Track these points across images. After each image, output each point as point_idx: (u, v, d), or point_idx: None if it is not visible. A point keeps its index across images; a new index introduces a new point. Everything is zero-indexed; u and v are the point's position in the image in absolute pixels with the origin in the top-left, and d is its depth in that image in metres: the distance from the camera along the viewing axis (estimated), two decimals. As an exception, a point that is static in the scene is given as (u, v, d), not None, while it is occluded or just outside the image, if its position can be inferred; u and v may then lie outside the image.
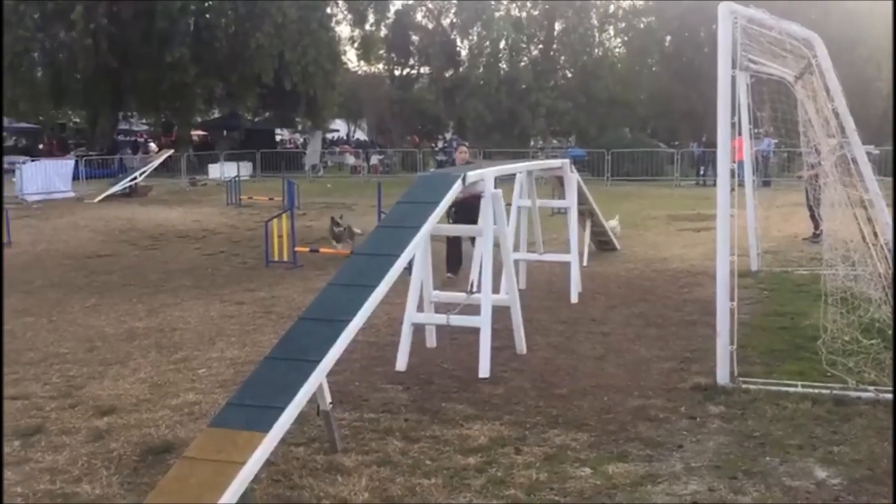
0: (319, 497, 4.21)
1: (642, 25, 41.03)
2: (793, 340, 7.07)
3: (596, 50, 41.78)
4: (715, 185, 6.24)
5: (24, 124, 39.47)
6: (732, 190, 5.94)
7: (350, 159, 38.70)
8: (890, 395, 5.37)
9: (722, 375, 5.87)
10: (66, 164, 25.33)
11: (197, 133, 43.13)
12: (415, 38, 45.59)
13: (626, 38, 42.91)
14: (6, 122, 38.80)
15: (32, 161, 26.06)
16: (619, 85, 39.87)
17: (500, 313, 6.86)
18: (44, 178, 23.16)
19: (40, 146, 39.23)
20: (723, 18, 5.90)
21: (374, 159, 36.55)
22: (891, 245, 6.29)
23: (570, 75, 42.45)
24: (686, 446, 4.82)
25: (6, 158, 29.47)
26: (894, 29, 6.59)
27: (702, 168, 29.13)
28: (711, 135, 32.79)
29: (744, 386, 5.78)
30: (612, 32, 43.60)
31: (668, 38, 40.52)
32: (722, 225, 5.85)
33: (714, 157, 6.48)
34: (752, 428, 5.08)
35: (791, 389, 5.66)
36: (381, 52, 45.84)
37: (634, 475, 4.42)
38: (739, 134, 8.48)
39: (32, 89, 32.80)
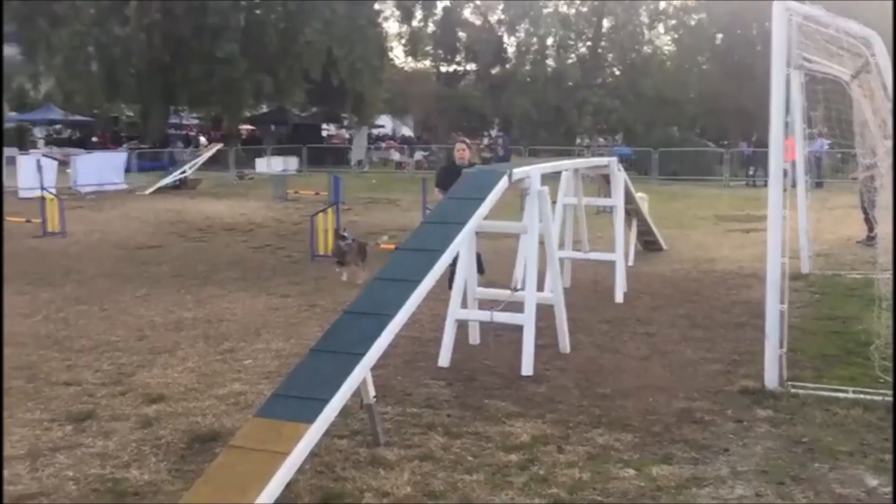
0: (362, 489, 4.24)
1: (693, 22, 40.48)
2: (844, 345, 6.93)
3: (645, 47, 41.35)
4: (765, 185, 6.13)
5: (78, 117, 40.38)
6: (784, 191, 5.82)
7: (395, 155, 38.89)
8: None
9: (770, 379, 5.77)
10: (119, 157, 25.89)
11: (245, 127, 43.69)
12: (462, 34, 45.58)
13: (675, 36, 42.37)
14: (62, 114, 39.81)
15: (87, 153, 26.69)
16: (668, 83, 39.36)
17: (544, 311, 6.84)
18: (97, 170, 23.68)
19: (94, 139, 40.12)
20: (778, 16, 5.78)
21: (419, 155, 36.67)
22: None
23: (617, 73, 42.09)
24: (732, 450, 4.75)
25: (63, 150, 30.22)
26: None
27: (752, 168, 28.61)
28: (762, 134, 32.22)
29: (793, 390, 5.67)
30: (661, 30, 43.13)
31: (720, 35, 39.88)
32: (774, 226, 5.75)
33: (765, 156, 6.37)
34: (800, 433, 4.98)
35: (842, 395, 5.54)
36: (428, 48, 45.91)
37: (679, 478, 4.37)
38: (792, 134, 8.32)
39: (87, 83, 33.51)
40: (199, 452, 4.72)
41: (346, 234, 10.27)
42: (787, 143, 6.59)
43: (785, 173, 5.95)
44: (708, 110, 40.30)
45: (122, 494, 4.17)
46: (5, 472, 4.43)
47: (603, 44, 41.81)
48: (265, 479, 3.65)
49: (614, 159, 9.65)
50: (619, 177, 9.50)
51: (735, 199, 22.00)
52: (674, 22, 41.79)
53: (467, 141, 10.09)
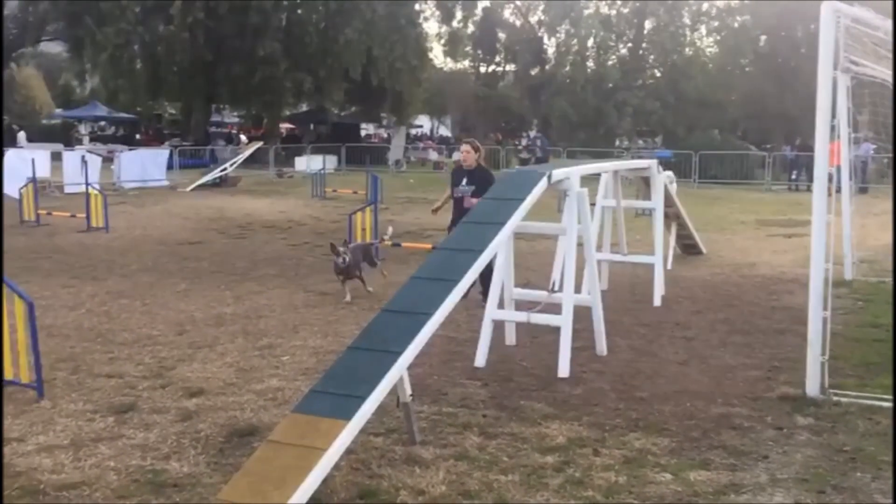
0: (397, 487, 4.25)
1: (736, 24, 39.94)
2: (888, 353, 6.77)
3: (687, 49, 40.89)
4: (808, 189, 6.06)
5: (123, 114, 41.13)
6: (829, 195, 5.72)
7: (433, 155, 38.96)
8: None
9: (812, 386, 5.67)
10: (162, 154, 26.29)
11: (285, 126, 44.13)
12: (502, 35, 45.56)
13: (718, 37, 41.87)
14: (107, 111, 40.58)
15: (130, 150, 27.16)
16: (710, 85, 38.93)
17: (581, 313, 6.80)
18: (140, 166, 24.09)
19: (138, 136, 40.82)
20: (825, 18, 5.68)
21: (457, 155, 36.64)
22: None
23: (658, 74, 41.72)
24: (772, 457, 4.68)
25: (108, 146, 30.79)
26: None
27: (794, 172, 28.15)
28: (806, 138, 31.78)
29: (835, 398, 5.57)
30: (704, 31, 42.63)
31: (764, 37, 39.32)
32: (818, 231, 5.65)
33: (808, 160, 6.29)
34: (842, 442, 4.89)
35: (885, 404, 5.42)
36: (468, 48, 45.94)
37: (717, 483, 4.32)
38: (837, 138, 8.18)
39: (132, 81, 34.10)
40: (237, 446, 4.78)
41: (341, 248, 8.94)
42: (833, 147, 6.48)
43: (830, 178, 5.85)
44: (750, 113, 39.77)
45: (161, 486, 4.24)
46: (49, 461, 4.53)
47: (644, 45, 41.47)
48: (303, 475, 3.68)
49: (655, 161, 9.56)
50: (660, 179, 9.41)
51: (777, 203, 21.68)
52: (717, 23, 41.29)
53: (474, 142, 8.96)
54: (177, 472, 4.42)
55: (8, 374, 5.64)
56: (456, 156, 35.85)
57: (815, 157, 5.73)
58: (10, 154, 20.45)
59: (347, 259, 8.85)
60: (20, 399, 5.50)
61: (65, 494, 4.13)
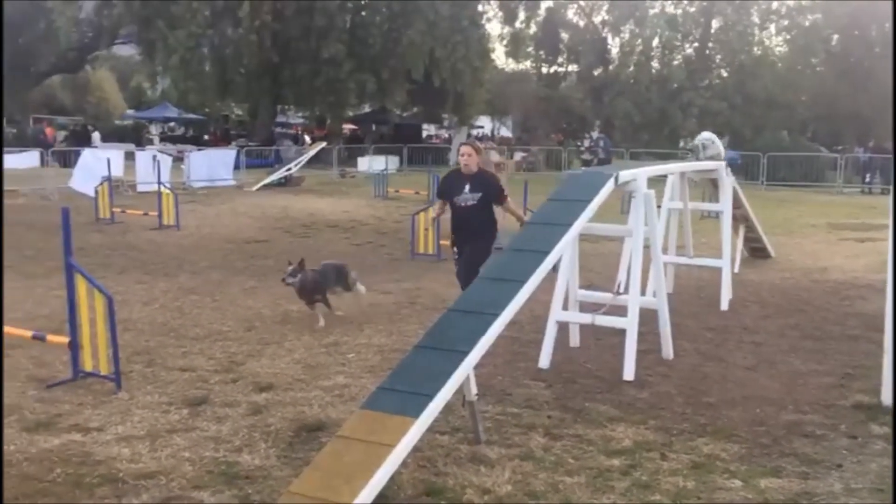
0: (463, 485, 4.29)
1: (807, 23, 38.86)
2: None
3: (755, 48, 39.94)
4: (883, 193, 5.91)
5: (192, 115, 42.14)
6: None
7: (494, 156, 38.80)
8: None
9: (888, 395, 5.52)
10: (229, 154, 26.85)
11: (347, 126, 44.58)
12: (564, 35, 45.20)
13: (788, 37, 40.79)
14: (176, 112, 41.63)
15: (199, 150, 27.82)
16: (779, 85, 37.90)
17: (646, 316, 6.73)
18: (209, 166, 24.65)
19: (206, 136, 41.76)
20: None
21: (518, 156, 36.58)
22: None
23: (725, 74, 40.82)
24: (846, 466, 4.57)
25: (178, 146, 31.58)
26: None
27: (868, 175, 27.30)
28: (880, 139, 30.83)
29: (911, 408, 5.42)
30: (773, 30, 41.54)
31: (836, 36, 38.19)
32: (894, 235, 5.50)
33: (883, 162, 6.11)
34: (920, 453, 4.75)
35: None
36: (530, 49, 45.74)
37: (789, 491, 4.24)
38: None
39: (201, 82, 34.88)
40: (305, 441, 4.88)
41: (289, 268, 7.78)
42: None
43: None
44: (820, 114, 38.65)
45: (234, 477, 4.35)
46: (127, 450, 4.69)
47: (711, 45, 40.63)
48: (371, 471, 3.74)
49: (723, 163, 9.40)
50: (728, 181, 9.25)
51: (849, 206, 21.06)
52: (786, 22, 40.19)
53: (475, 143, 8.15)
54: (248, 464, 4.53)
55: (87, 366, 5.86)
56: (517, 156, 35.97)
57: (892, 159, 5.56)
58: (85, 153, 21.16)
59: (291, 282, 7.74)
60: (99, 391, 5.71)
61: (143, 483, 4.27)
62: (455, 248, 7.75)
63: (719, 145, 9.39)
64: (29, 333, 6.33)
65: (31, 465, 4.48)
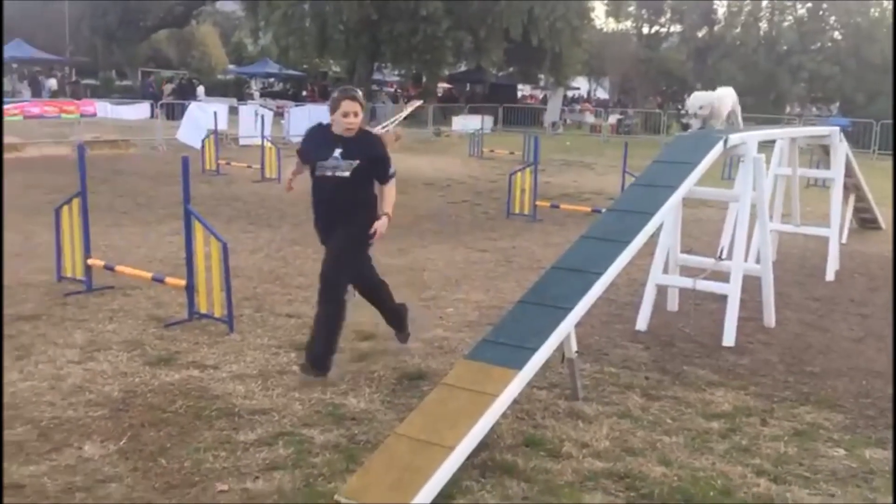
0: (561, 438, 4.37)
1: (933, -18, 36.57)
2: None
3: (873, 10, 37.87)
4: None
5: (291, 71, 42.89)
6: None
7: (589, 118, 38.31)
8: None
9: None
10: (327, 111, 27.30)
11: (442, 85, 44.58)
12: (669, -6, 43.90)
13: (909, -3, 38.50)
14: (276, 68, 42.45)
15: (297, 106, 28.39)
16: (897, 49, 35.96)
17: (748, 283, 6.62)
18: (308, 121, 25.02)
19: (304, 93, 42.51)
20: None
21: (614, 118, 35.92)
22: None
23: (839, 37, 38.93)
24: (956, 442, 4.46)
25: (277, 102, 32.30)
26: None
27: None
28: None
29: None
30: (892, -10, 39.27)
31: (962, -3, 35.83)
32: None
33: None
34: None
35: None
36: (631, 8, 44.59)
37: (895, 464, 4.17)
38: None
39: (301, 39, 35.46)
40: (407, 388, 5.05)
41: None
42: None
43: None
44: (942, 80, 36.48)
45: (341, 418, 4.56)
46: (241, 387, 4.96)
47: (824, 6, 38.75)
48: (474, 418, 3.87)
49: (836, 129, 9.06)
50: (841, 148, 8.92)
51: (968, 179, 19.92)
52: (908, -19, 37.95)
53: (359, 94, 5.37)
54: (354, 406, 4.73)
55: (202, 308, 6.19)
56: (613, 119, 35.21)
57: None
58: (192, 106, 21.88)
59: None
60: (213, 332, 6.02)
61: (256, 418, 4.52)
62: (319, 234, 5.45)
63: (721, 106, 7.13)
64: (149, 275, 6.72)
65: (155, 396, 4.80)
